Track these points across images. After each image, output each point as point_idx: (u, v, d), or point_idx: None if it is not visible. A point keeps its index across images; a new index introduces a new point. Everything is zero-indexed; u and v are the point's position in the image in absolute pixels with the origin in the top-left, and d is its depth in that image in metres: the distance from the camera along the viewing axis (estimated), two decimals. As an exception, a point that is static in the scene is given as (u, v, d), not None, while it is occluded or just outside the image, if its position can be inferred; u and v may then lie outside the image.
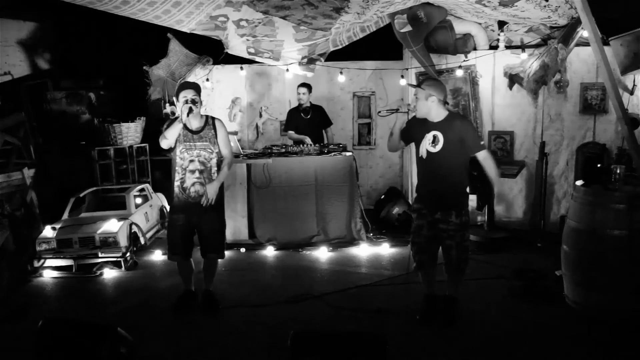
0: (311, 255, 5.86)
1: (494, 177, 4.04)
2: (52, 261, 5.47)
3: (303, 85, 6.84)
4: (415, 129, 4.05)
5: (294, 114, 6.95)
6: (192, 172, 4.25)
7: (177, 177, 4.27)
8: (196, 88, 4.27)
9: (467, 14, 6.08)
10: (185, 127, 4.22)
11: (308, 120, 6.85)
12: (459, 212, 3.93)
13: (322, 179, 6.23)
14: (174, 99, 4.36)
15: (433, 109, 3.93)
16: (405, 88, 7.21)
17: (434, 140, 3.92)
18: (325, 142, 6.86)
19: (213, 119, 4.41)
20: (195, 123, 4.28)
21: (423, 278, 4.20)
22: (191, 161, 4.25)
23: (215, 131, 4.33)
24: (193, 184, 4.26)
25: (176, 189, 4.29)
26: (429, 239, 4.04)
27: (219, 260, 4.57)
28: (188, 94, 4.16)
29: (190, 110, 4.11)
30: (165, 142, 4.19)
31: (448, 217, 3.93)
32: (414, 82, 6.71)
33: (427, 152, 3.96)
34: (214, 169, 4.32)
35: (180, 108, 4.16)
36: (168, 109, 7.20)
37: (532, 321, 4.14)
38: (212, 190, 4.23)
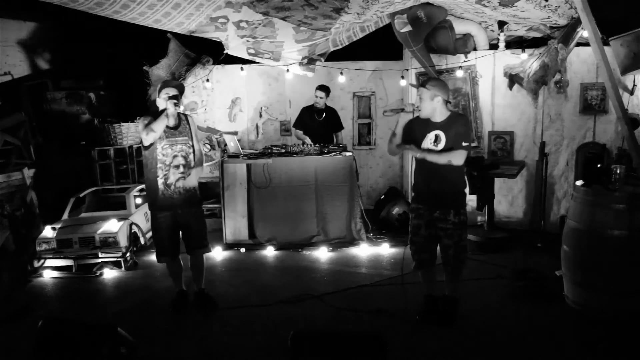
0: (311, 256, 5.86)
1: (431, 156, 3.87)
2: (52, 261, 5.48)
3: (321, 88, 6.75)
4: (416, 129, 4.05)
5: (306, 114, 6.87)
6: (177, 167, 4.31)
7: (160, 173, 4.28)
8: (178, 87, 4.38)
9: (467, 14, 6.08)
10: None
11: (320, 122, 6.81)
12: (457, 211, 3.95)
13: (322, 179, 6.22)
14: (156, 95, 4.41)
15: (438, 109, 3.93)
16: (405, 88, 7.21)
17: (436, 140, 3.93)
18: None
19: (185, 114, 4.49)
20: (172, 120, 4.34)
21: (423, 277, 4.21)
22: (174, 156, 4.31)
23: (190, 126, 4.42)
24: (178, 179, 4.31)
25: (160, 187, 4.29)
26: (427, 238, 4.05)
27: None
28: (170, 91, 4.27)
29: (176, 105, 4.22)
30: (152, 136, 4.19)
31: (446, 215, 3.94)
32: (415, 83, 6.72)
33: (429, 151, 3.97)
34: (192, 163, 4.40)
35: (165, 103, 4.23)
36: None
37: (532, 321, 4.14)
38: (195, 173, 4.35)
